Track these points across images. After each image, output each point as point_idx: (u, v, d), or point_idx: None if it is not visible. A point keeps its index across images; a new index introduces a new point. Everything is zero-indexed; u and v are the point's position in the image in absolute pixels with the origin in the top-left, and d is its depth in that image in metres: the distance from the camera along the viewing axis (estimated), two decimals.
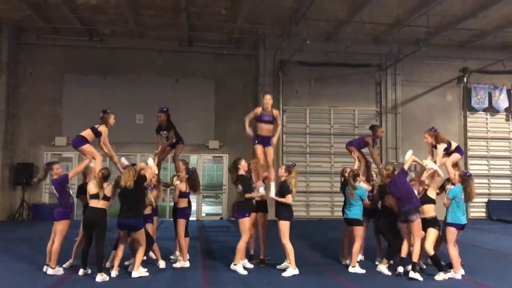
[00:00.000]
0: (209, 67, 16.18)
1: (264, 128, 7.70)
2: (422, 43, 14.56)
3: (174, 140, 8.67)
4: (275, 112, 7.84)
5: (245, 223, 7.29)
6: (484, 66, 15.95)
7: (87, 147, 7.38)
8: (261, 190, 7.55)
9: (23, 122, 15.31)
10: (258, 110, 7.75)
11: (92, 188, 6.98)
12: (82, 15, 13.84)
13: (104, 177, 6.94)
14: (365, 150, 8.84)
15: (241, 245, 7.25)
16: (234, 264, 7.27)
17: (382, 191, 7.79)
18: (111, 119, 7.62)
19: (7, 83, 14.80)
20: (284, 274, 7.26)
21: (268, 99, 7.72)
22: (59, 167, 7.32)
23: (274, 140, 7.87)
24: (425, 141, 7.70)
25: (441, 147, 7.49)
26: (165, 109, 8.66)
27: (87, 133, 7.46)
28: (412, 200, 7.12)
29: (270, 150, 7.77)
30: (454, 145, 7.70)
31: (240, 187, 7.42)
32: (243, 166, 7.50)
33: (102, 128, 7.52)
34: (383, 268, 7.47)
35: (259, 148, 7.69)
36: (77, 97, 15.16)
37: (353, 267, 7.53)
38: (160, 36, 15.75)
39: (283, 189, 7.42)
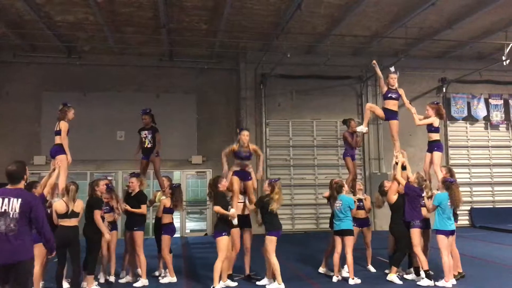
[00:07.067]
0: (191, 82, 16.11)
1: (242, 164, 7.71)
2: (401, 54, 14.75)
3: (157, 151, 8.60)
4: (252, 147, 7.87)
5: (222, 242, 7.01)
6: (462, 76, 16.25)
7: (63, 157, 7.25)
8: (233, 214, 7.23)
9: (0, 142, 14.95)
10: (235, 146, 7.76)
11: (59, 206, 6.69)
12: (60, 32, 13.66)
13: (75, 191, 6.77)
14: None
15: (217, 265, 6.94)
16: (213, 287, 6.92)
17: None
18: (71, 113, 7.54)
19: None
20: (268, 287, 7.18)
21: (245, 135, 7.74)
22: (41, 185, 7.09)
23: (259, 173, 7.89)
24: (426, 113, 8.09)
25: (431, 120, 7.96)
26: (148, 110, 8.74)
27: (60, 138, 7.35)
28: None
29: (250, 184, 7.78)
30: (436, 136, 8.03)
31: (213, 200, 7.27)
32: (223, 185, 7.29)
33: (62, 125, 7.39)
34: (394, 277, 7.45)
35: (235, 180, 7.61)
36: (56, 115, 14.86)
37: (353, 279, 7.49)
38: (140, 52, 15.64)
39: (261, 201, 7.42)
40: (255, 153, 7.91)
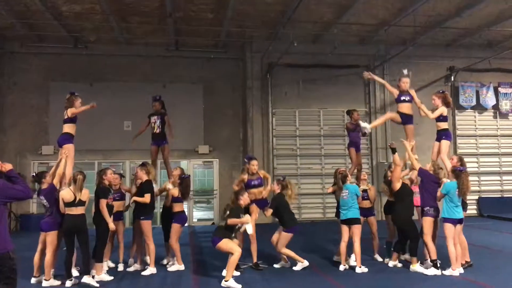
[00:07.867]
0: (197, 71, 16.10)
1: (255, 192, 7.80)
2: (409, 43, 14.60)
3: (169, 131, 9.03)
4: (261, 173, 8.01)
5: (226, 243, 6.88)
6: (471, 64, 16.06)
7: (70, 146, 7.35)
8: (247, 219, 7.17)
9: (8, 132, 15.09)
10: (244, 177, 7.86)
11: (66, 195, 6.78)
12: (66, 22, 13.66)
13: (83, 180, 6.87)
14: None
15: (233, 260, 6.77)
16: (226, 281, 6.73)
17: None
18: (78, 102, 7.61)
19: None
20: (295, 267, 7.64)
21: (254, 165, 7.84)
22: (50, 175, 7.16)
23: (266, 191, 8.01)
24: (432, 102, 7.88)
25: (441, 110, 7.72)
26: (158, 97, 8.96)
27: (68, 127, 7.46)
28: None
29: (268, 212, 7.79)
30: (444, 125, 7.86)
31: (228, 212, 7.14)
32: (244, 198, 7.33)
33: (70, 111, 7.50)
34: (418, 267, 7.41)
35: (254, 208, 7.76)
36: (64, 105, 14.92)
37: (360, 267, 7.53)
38: (147, 42, 15.64)
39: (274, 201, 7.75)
40: (264, 178, 8.03)
